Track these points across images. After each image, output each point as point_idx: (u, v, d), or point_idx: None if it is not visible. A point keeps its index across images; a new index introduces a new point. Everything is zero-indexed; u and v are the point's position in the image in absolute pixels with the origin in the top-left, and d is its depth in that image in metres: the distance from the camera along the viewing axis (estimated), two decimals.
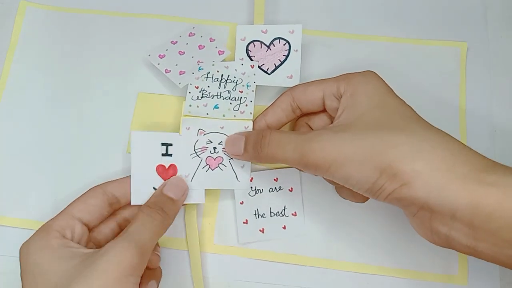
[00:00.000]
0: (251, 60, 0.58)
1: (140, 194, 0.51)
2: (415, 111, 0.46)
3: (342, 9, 0.64)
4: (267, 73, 0.58)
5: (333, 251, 0.55)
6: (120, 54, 0.62)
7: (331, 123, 0.50)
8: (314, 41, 0.62)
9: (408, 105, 0.47)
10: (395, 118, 0.45)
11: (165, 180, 0.53)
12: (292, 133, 0.48)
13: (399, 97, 0.47)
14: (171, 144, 0.54)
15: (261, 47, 0.59)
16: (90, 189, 0.50)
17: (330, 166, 0.44)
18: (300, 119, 0.55)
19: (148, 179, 0.52)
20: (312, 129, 0.54)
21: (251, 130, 0.54)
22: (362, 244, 0.55)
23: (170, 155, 0.53)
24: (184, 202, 0.52)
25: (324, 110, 0.52)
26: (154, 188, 0.52)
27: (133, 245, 0.43)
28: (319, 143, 0.44)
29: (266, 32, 0.59)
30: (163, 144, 0.53)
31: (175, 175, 0.53)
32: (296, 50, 0.58)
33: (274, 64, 0.58)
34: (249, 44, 0.59)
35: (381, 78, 0.49)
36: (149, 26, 0.64)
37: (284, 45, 0.59)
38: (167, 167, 0.53)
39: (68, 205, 0.48)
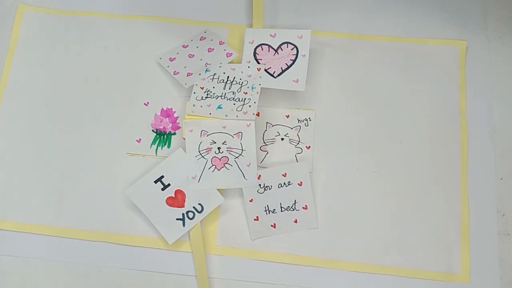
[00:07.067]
0: (258, 63, 0.58)
1: (171, 232, 0.53)
2: None
3: (342, 9, 0.64)
4: (273, 76, 0.57)
5: (333, 251, 0.55)
6: (120, 56, 0.62)
7: None
8: (314, 41, 0.62)
9: None
10: None
11: (180, 207, 0.53)
12: None
13: None
14: (162, 176, 0.54)
15: (268, 50, 0.59)
16: None
17: None
18: None
19: (168, 216, 0.53)
20: None
21: (254, 128, 0.54)
22: (363, 242, 0.55)
23: (169, 184, 0.54)
24: (207, 209, 0.53)
25: None
26: (177, 219, 0.53)
27: None
28: None
29: (274, 36, 0.59)
30: (156, 181, 0.54)
31: (185, 197, 0.54)
32: (304, 55, 0.58)
33: (281, 68, 0.58)
34: (257, 47, 0.59)
35: None
36: (147, 27, 0.63)
37: (292, 49, 0.58)
38: (174, 195, 0.54)
39: None
